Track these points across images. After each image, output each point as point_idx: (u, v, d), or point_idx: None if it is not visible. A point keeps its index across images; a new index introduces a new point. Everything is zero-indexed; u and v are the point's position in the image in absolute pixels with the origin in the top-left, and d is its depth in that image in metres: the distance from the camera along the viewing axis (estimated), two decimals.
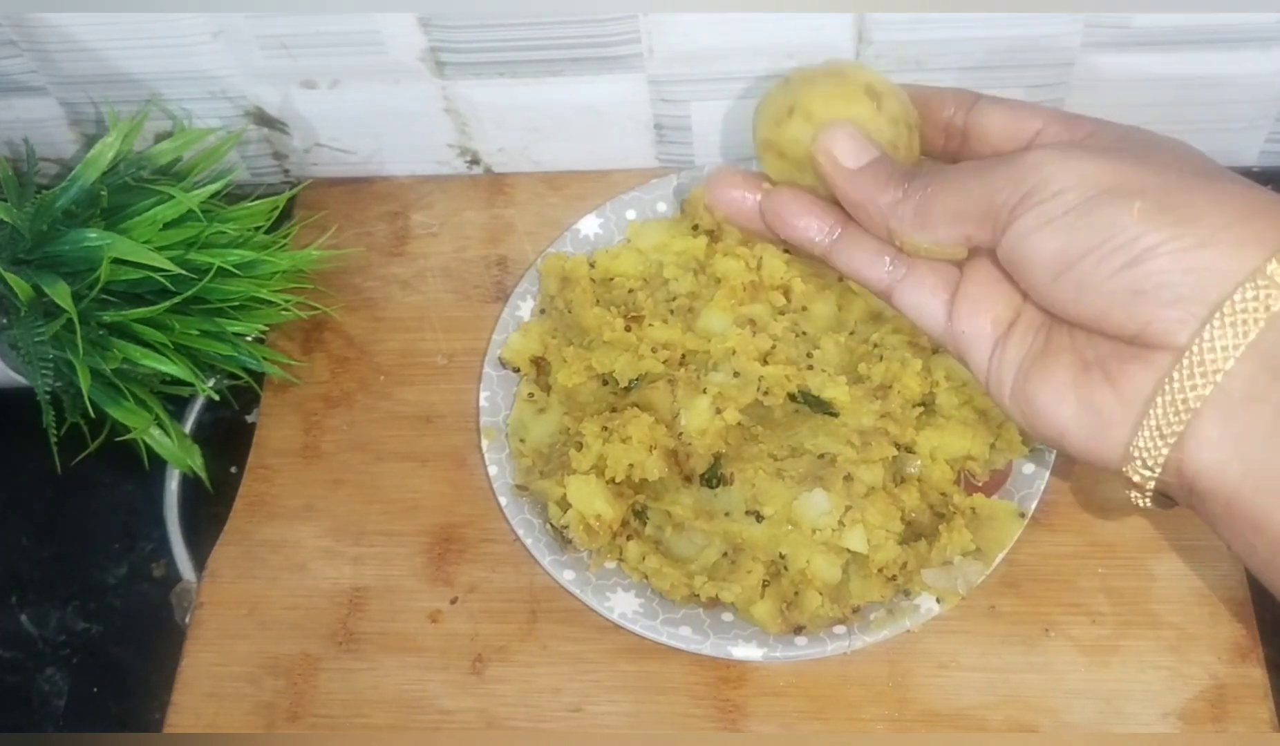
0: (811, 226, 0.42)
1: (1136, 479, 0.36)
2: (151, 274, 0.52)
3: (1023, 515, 0.51)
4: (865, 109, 0.41)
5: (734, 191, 0.44)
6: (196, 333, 0.55)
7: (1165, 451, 0.35)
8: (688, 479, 0.53)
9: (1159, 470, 0.36)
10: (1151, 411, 0.35)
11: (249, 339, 0.58)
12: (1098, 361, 0.37)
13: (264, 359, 0.58)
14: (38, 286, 0.51)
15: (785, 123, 0.42)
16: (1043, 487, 0.52)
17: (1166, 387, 0.34)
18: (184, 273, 0.53)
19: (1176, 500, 0.37)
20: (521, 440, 0.56)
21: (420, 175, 0.66)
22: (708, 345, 0.55)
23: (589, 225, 0.60)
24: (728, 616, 0.51)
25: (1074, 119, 0.40)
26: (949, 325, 0.40)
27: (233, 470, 0.59)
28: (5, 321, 0.53)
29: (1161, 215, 0.34)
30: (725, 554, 0.52)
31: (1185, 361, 0.34)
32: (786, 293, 0.56)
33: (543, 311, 0.59)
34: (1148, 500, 0.37)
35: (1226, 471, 0.34)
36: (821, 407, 0.53)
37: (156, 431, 0.56)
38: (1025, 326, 0.39)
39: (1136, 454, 0.36)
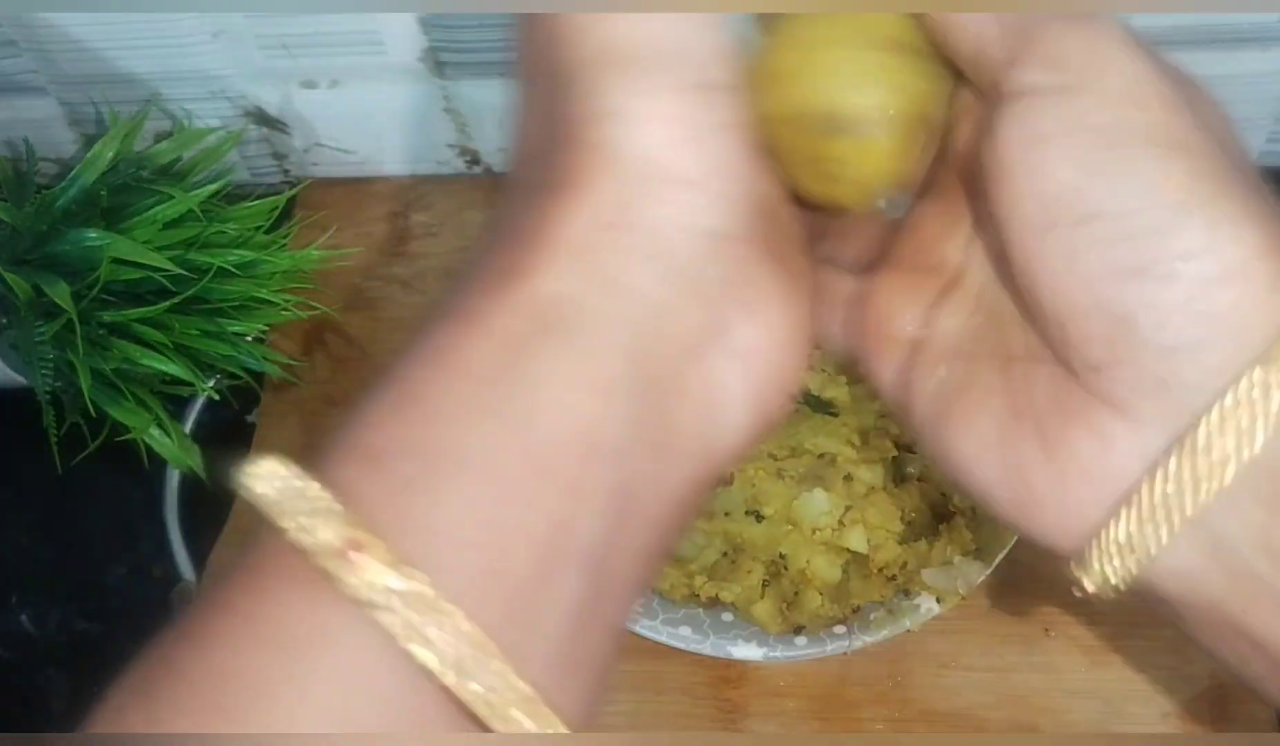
0: None
1: (1087, 584, 0.28)
2: (151, 274, 0.52)
3: None
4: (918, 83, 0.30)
5: None
6: (196, 332, 0.55)
7: (1131, 569, 0.26)
8: None
9: (1118, 586, 0.27)
10: (1116, 523, 0.26)
11: (249, 339, 0.58)
12: (1032, 411, 0.27)
13: (264, 359, 0.58)
14: (38, 286, 0.51)
15: (833, 138, 0.31)
16: None
17: (1148, 488, 0.25)
18: (184, 273, 0.53)
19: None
20: None
21: (420, 175, 0.66)
22: None
23: None
24: (728, 616, 0.51)
25: None
26: (849, 346, 0.32)
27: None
28: (5, 321, 0.53)
29: (1199, 208, 0.25)
30: (725, 553, 0.52)
31: (1183, 457, 0.25)
32: None
33: None
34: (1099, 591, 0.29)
35: (1204, 582, 0.26)
36: (821, 407, 0.53)
37: (156, 431, 0.56)
38: (936, 351, 0.30)
39: (1091, 559, 0.27)
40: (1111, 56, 0.25)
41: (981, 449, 0.28)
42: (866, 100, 0.30)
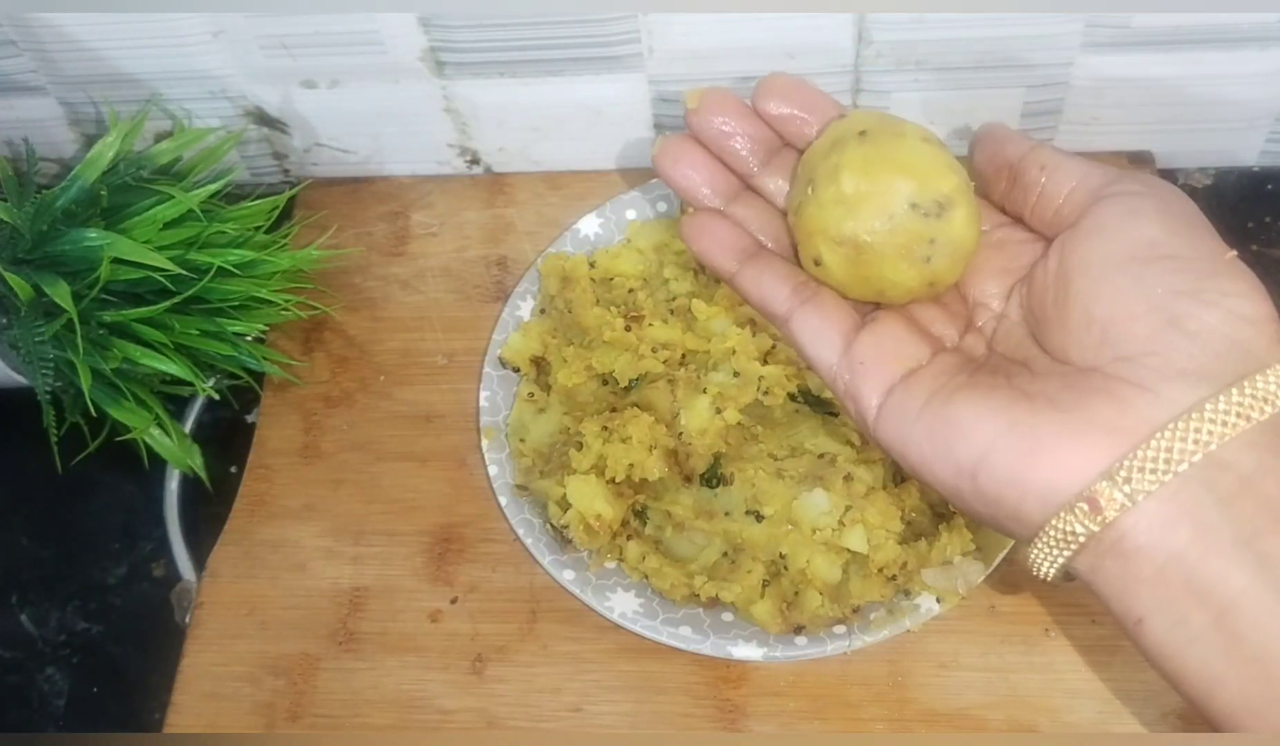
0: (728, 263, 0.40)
1: (1060, 524, 0.33)
2: (151, 274, 0.52)
3: None
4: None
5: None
6: (196, 332, 0.55)
7: (1120, 499, 0.32)
8: (688, 479, 0.53)
9: (1107, 516, 0.33)
10: (1128, 460, 0.32)
11: (249, 339, 0.58)
12: (1044, 394, 0.34)
13: (264, 359, 0.58)
14: (38, 286, 0.51)
15: (937, 219, 0.37)
16: None
17: (1158, 440, 0.32)
18: (184, 272, 0.53)
19: (1075, 570, 0.34)
20: (521, 440, 0.56)
21: (420, 175, 0.66)
22: (708, 345, 0.55)
23: (589, 225, 0.60)
24: (728, 616, 0.51)
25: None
26: (845, 353, 0.38)
27: (233, 470, 0.59)
28: (5, 321, 0.53)
29: (1243, 271, 0.35)
30: (725, 554, 0.52)
31: (1190, 421, 0.32)
32: None
33: (543, 311, 0.59)
34: (1056, 560, 0.34)
35: (1172, 532, 0.32)
36: (822, 407, 0.53)
37: (156, 431, 0.57)
38: (938, 371, 0.37)
39: (1086, 491, 0.33)
40: (1166, 182, 0.37)
41: (989, 413, 0.34)
42: (957, 178, 0.38)
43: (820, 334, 0.38)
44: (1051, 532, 0.34)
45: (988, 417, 0.34)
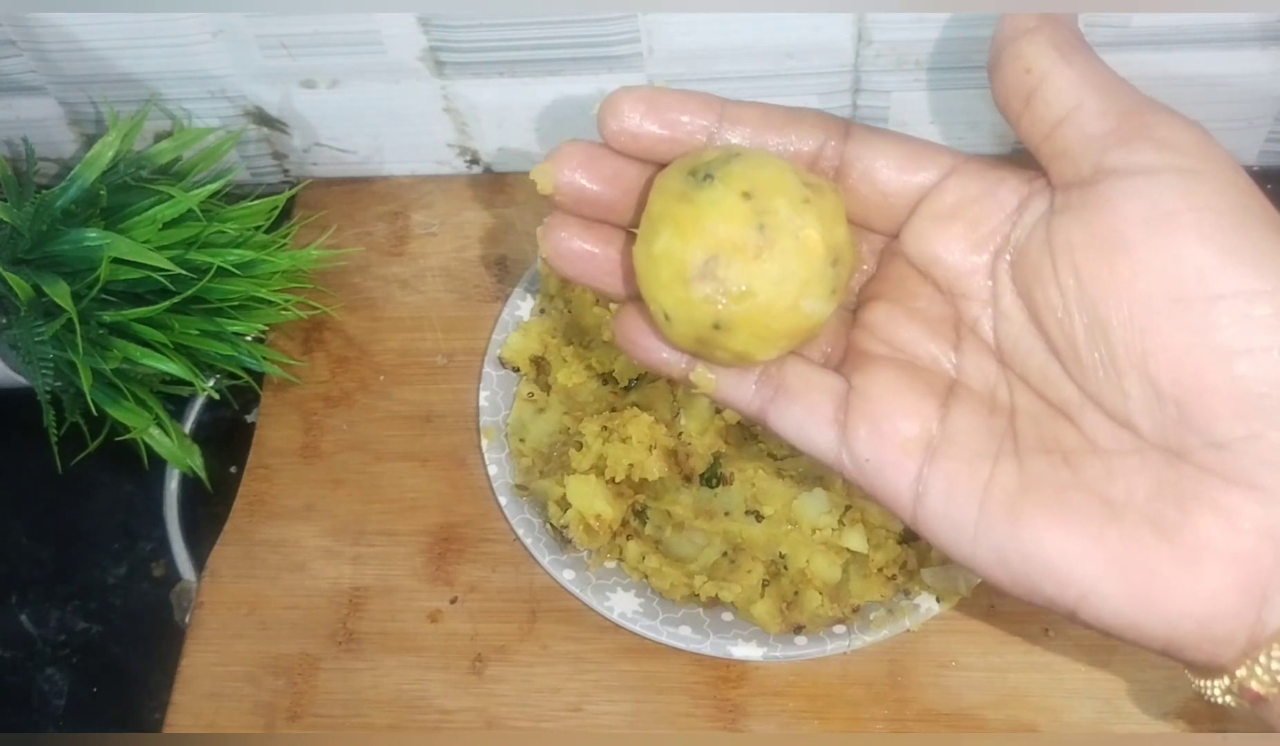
0: (671, 356, 0.32)
1: (1209, 693, 0.27)
2: (151, 274, 0.52)
3: None
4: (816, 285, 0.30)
5: (579, 244, 0.33)
6: (196, 332, 0.55)
7: (1270, 678, 0.26)
8: (687, 478, 0.53)
9: (1267, 698, 0.26)
10: (1263, 613, 0.26)
11: (249, 339, 0.58)
12: (1133, 501, 0.27)
13: (264, 359, 0.58)
14: (38, 286, 0.51)
15: (714, 335, 0.30)
16: None
17: None
18: (184, 272, 0.53)
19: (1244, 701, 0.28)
20: (521, 440, 0.56)
21: (420, 175, 0.66)
22: None
23: None
24: (727, 616, 0.51)
25: (990, 161, 0.31)
26: (848, 454, 0.30)
27: (232, 470, 0.59)
28: (5, 321, 0.53)
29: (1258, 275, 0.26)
30: (725, 553, 0.52)
31: None
32: None
33: (542, 311, 0.59)
34: (1231, 697, 0.28)
35: None
36: None
37: (156, 431, 0.56)
38: (972, 448, 0.29)
39: (1233, 684, 0.27)
40: (1216, 147, 0.27)
41: (1079, 545, 0.27)
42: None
43: (805, 433, 0.31)
44: (1203, 689, 0.28)
45: (1075, 556, 0.27)
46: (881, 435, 0.30)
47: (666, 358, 0.32)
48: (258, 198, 0.59)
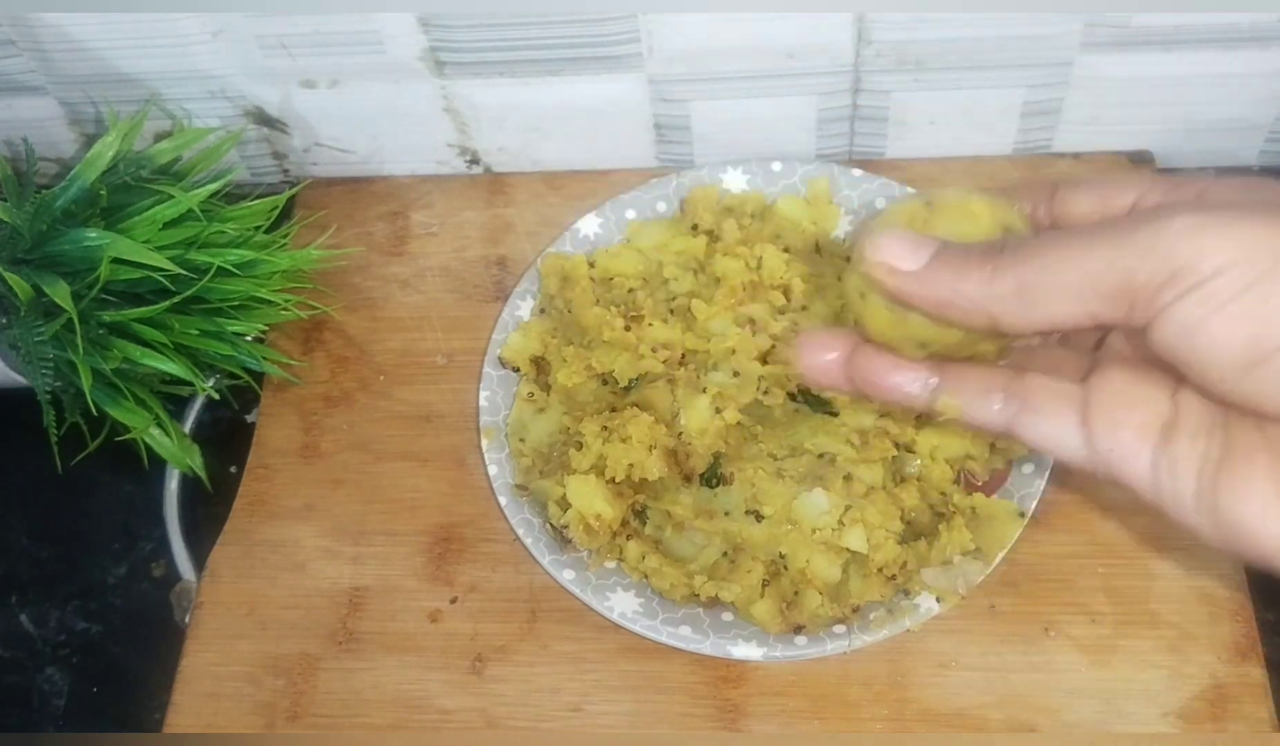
0: (905, 380, 0.35)
1: None
2: (151, 274, 0.52)
3: (1022, 514, 0.51)
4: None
5: (824, 355, 0.37)
6: (196, 332, 0.55)
7: None
8: (687, 478, 0.53)
9: None
10: None
11: (249, 339, 0.58)
12: None
13: (264, 359, 0.58)
14: (38, 286, 0.51)
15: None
16: (1043, 487, 0.52)
17: None
18: (184, 272, 0.53)
19: None
20: (521, 440, 0.56)
21: (420, 175, 0.66)
22: (707, 345, 0.55)
23: (589, 225, 0.60)
24: (727, 616, 0.51)
25: (1176, 180, 0.34)
26: (1091, 449, 0.33)
27: (232, 470, 0.59)
28: (5, 321, 0.53)
29: None
30: (725, 553, 0.52)
31: None
32: (786, 292, 0.56)
33: (543, 311, 0.59)
34: None
35: None
36: (821, 407, 0.53)
37: (156, 431, 0.56)
38: (1191, 428, 0.32)
39: None
40: (1208, 239, 0.29)
41: (1264, 506, 0.30)
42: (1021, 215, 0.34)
43: (1054, 439, 0.34)
44: None
45: (1264, 515, 0.30)
46: (1117, 425, 0.33)
47: (904, 384, 0.36)
48: (258, 198, 0.59)
